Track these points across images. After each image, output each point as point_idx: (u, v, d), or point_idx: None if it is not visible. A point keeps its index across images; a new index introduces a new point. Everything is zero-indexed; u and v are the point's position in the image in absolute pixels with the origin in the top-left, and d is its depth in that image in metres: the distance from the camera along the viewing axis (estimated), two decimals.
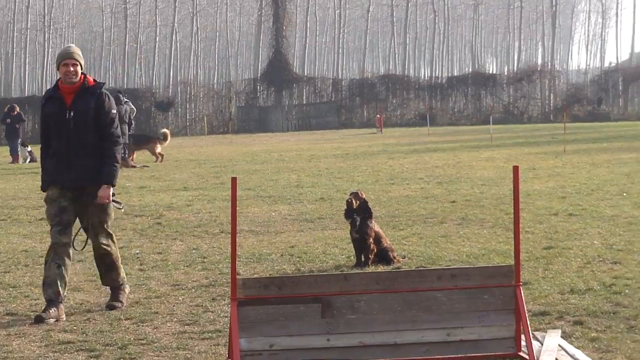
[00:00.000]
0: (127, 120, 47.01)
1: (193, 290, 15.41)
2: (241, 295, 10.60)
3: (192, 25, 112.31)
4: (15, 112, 58.45)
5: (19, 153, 55.97)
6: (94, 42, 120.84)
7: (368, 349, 10.59)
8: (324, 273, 15.52)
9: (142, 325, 12.61)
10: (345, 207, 17.59)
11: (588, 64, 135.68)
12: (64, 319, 11.93)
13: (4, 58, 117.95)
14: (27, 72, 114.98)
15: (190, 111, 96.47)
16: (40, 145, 12.85)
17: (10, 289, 15.99)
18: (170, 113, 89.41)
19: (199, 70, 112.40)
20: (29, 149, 57.66)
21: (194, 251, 19.61)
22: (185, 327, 12.48)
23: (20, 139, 57.80)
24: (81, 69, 12.21)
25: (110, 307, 12.53)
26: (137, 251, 19.79)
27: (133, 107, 51.89)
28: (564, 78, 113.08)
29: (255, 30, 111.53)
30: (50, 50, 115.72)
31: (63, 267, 12.07)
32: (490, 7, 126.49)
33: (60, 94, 12.06)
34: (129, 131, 47.84)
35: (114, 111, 13.00)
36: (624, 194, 27.97)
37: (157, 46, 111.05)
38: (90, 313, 13.77)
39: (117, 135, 12.94)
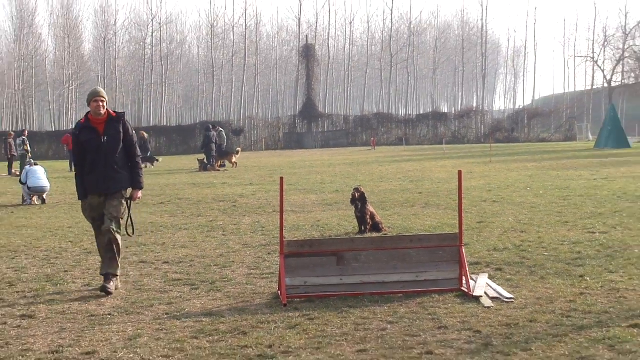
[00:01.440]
0: (214, 141, 54.65)
1: (256, 247, 18.64)
2: (286, 251, 13.30)
3: (255, 81, 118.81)
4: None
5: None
6: (194, 93, 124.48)
7: (366, 285, 13.30)
8: (338, 237, 18.89)
9: (224, 269, 15.76)
10: (351, 196, 21.11)
11: (505, 106, 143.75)
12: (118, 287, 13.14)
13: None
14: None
15: (253, 135, 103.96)
16: (72, 164, 14.18)
17: (142, 246, 19.12)
18: (241, 136, 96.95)
19: (259, 110, 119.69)
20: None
21: (256, 223, 23.34)
22: (251, 270, 15.59)
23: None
24: (106, 104, 13.33)
25: (103, 289, 13.04)
26: (221, 223, 23.56)
27: (223, 133, 62.58)
28: (490, 115, 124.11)
29: (294, 85, 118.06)
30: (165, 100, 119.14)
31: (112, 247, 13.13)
32: (443, 70, 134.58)
33: (92, 124, 12.97)
34: (216, 148, 56.07)
35: (133, 132, 14.09)
36: (528, 188, 32.45)
37: (232, 95, 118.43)
38: (192, 261, 16.75)
39: (139, 152, 14.30)
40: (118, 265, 13.55)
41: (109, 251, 13.09)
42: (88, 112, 13.02)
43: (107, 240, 13.05)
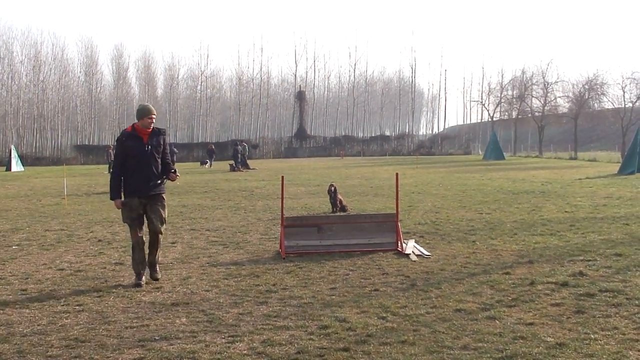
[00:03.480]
0: (240, 152, 54.49)
1: (266, 221, 18.49)
2: (285, 223, 13.28)
3: (266, 114, 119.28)
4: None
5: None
6: (227, 121, 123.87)
7: (336, 246, 13.16)
8: (319, 215, 18.44)
9: (245, 235, 15.71)
10: (327, 189, 21.09)
11: (426, 131, 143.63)
12: (145, 281, 10.43)
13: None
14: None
15: (265, 148, 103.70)
16: (111, 167, 11.84)
17: (192, 219, 18.85)
18: (257, 149, 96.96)
19: (268, 132, 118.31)
20: None
21: (266, 205, 23.11)
22: (262, 236, 15.55)
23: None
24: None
25: (154, 278, 10.76)
26: (243, 205, 23.29)
27: (246, 146, 61.20)
28: (417, 138, 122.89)
29: (291, 117, 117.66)
30: (208, 125, 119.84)
31: (143, 252, 10.60)
32: (387, 108, 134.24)
33: (138, 134, 10.60)
34: (243, 157, 56.19)
35: (170, 145, 12.10)
36: (440, 185, 32.06)
37: (252, 122, 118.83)
38: (224, 229, 16.65)
39: (172, 161, 12.56)
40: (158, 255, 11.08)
41: (154, 245, 10.74)
42: (134, 123, 10.88)
43: (154, 238, 10.71)
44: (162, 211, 10.81)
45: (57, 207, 23.82)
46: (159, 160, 10.81)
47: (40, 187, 35.73)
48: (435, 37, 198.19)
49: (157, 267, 10.93)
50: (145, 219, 10.76)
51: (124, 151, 10.62)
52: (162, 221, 10.80)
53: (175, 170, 11.00)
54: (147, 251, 10.82)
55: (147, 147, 10.62)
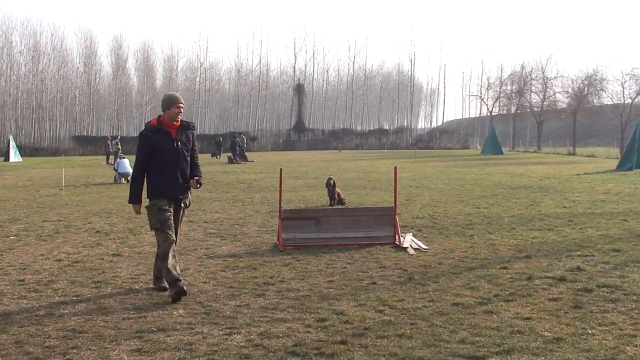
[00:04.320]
0: (238, 144, 54.66)
1: (264, 213, 18.53)
2: (283, 216, 13.27)
3: (265, 107, 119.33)
4: None
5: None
6: (226, 113, 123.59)
7: (334, 239, 13.14)
8: (316, 207, 18.63)
9: (243, 227, 15.74)
10: (326, 182, 21.07)
11: (425, 126, 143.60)
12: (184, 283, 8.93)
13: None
14: None
15: (264, 141, 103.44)
16: (135, 163, 9.54)
17: (190, 211, 19.26)
18: (255, 142, 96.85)
19: (267, 125, 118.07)
20: None
21: (264, 198, 23.20)
22: (260, 228, 15.57)
23: None
24: None
25: (161, 288, 9.45)
26: (241, 197, 23.38)
27: (244, 139, 60.95)
28: (415, 132, 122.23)
29: (290, 109, 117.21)
30: (207, 118, 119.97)
31: (176, 255, 9.25)
32: (386, 102, 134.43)
33: (166, 128, 9.30)
34: (241, 150, 56.14)
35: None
36: (438, 179, 32.11)
37: (250, 115, 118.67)
38: (222, 221, 16.63)
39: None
40: None
41: (175, 254, 9.27)
42: (160, 116, 9.53)
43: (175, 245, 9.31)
44: (180, 222, 9.73)
45: (55, 198, 23.79)
46: (188, 159, 9.57)
47: (38, 178, 35.72)
48: (434, 31, 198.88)
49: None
50: None
51: (149, 148, 9.28)
52: (178, 232, 9.61)
53: (199, 178, 9.64)
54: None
55: (177, 144, 9.36)
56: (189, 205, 9.83)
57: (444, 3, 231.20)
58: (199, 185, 9.61)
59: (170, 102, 9.33)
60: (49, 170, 45.15)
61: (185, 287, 8.95)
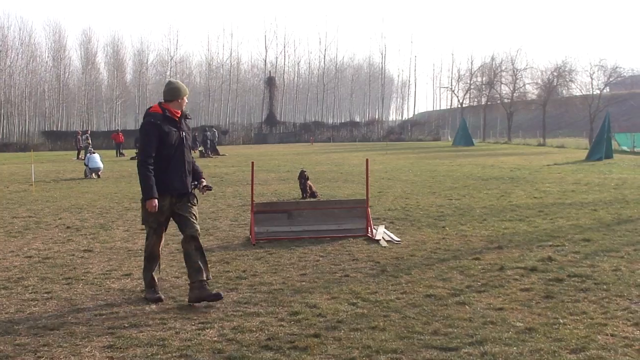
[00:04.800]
0: (209, 138, 54.91)
1: (236, 207, 18.49)
2: (255, 209, 13.24)
3: (236, 100, 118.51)
4: None
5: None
6: (197, 107, 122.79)
7: (306, 232, 13.21)
8: (289, 201, 18.59)
9: (215, 221, 15.71)
10: (299, 174, 20.98)
11: (396, 118, 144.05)
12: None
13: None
14: None
15: (235, 134, 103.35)
16: (141, 155, 8.36)
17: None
18: (226, 135, 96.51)
19: (238, 118, 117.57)
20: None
21: (236, 191, 23.20)
22: (232, 222, 15.56)
23: None
24: None
25: (209, 298, 8.34)
26: (213, 191, 23.27)
27: (215, 132, 60.15)
28: (386, 124, 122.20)
29: (261, 102, 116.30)
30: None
31: (159, 261, 8.83)
32: (357, 94, 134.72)
33: (172, 117, 8.49)
34: (213, 144, 56.08)
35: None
36: (410, 171, 32.26)
37: (221, 108, 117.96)
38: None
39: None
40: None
41: (202, 256, 8.53)
42: (161, 103, 8.69)
43: (196, 245, 8.54)
44: (195, 208, 8.88)
45: (25, 194, 23.59)
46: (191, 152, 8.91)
47: (7, 174, 35.39)
48: (405, 24, 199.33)
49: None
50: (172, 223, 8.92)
51: (158, 137, 8.38)
52: (196, 221, 8.73)
53: (208, 184, 9.02)
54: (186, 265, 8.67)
55: (182, 134, 8.62)
56: (197, 202, 9.02)
57: None
58: (207, 191, 9.01)
59: (181, 93, 8.67)
60: (18, 165, 44.77)
61: (161, 296, 8.58)
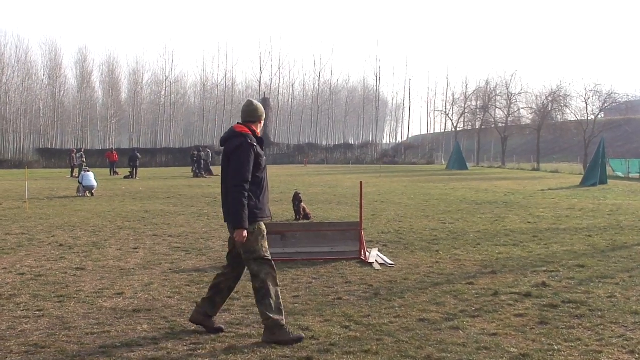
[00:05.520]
0: (204, 159, 54.27)
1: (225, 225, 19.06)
2: None
3: (230, 121, 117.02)
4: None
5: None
6: (191, 127, 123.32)
7: (299, 254, 13.17)
8: (282, 222, 18.23)
9: (208, 241, 15.60)
10: (293, 196, 21.22)
11: (390, 140, 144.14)
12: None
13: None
14: None
15: None
16: (239, 179, 7.51)
17: (155, 225, 18.56)
18: (220, 156, 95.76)
19: None
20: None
21: None
22: (224, 242, 14.52)
23: None
24: None
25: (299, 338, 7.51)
26: (206, 211, 23.31)
27: (209, 153, 59.79)
28: (380, 147, 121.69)
29: None
30: (172, 131, 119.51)
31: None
32: (351, 117, 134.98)
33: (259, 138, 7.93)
34: (207, 164, 55.52)
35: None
36: (403, 194, 32.20)
37: (215, 129, 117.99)
38: (187, 236, 16.49)
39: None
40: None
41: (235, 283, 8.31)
42: (247, 123, 8.04)
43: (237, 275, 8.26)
44: None
45: (19, 211, 23.51)
46: None
47: (1, 190, 35.31)
48: (400, 47, 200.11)
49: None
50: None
51: (254, 160, 7.79)
52: None
53: None
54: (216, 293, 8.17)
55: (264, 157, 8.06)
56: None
57: (409, 19, 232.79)
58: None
59: (263, 114, 8.22)
60: (13, 182, 44.70)
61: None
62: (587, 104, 77.87)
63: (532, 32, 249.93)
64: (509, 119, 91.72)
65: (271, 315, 7.55)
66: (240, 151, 7.72)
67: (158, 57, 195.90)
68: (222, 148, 8.05)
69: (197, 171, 53.16)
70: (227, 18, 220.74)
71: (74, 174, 53.16)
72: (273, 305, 7.64)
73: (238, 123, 8.14)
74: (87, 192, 31.13)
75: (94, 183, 31.44)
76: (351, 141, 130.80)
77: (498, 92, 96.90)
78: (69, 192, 33.96)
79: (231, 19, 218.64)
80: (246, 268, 8.03)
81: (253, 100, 8.31)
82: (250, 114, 8.11)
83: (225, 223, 8.03)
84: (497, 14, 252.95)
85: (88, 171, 32.52)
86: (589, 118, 76.59)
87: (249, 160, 7.71)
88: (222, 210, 8.13)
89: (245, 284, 10.64)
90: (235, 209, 7.66)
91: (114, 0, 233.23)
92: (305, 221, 19.70)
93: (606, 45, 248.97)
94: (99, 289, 10.35)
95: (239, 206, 7.63)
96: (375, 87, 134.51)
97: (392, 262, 12.83)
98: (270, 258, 7.83)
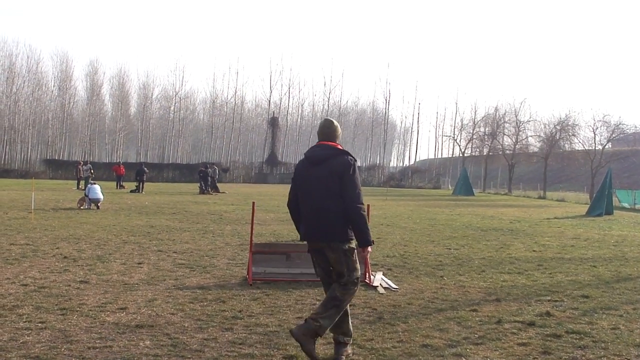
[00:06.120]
0: (210, 175, 54.27)
1: (234, 246, 18.40)
2: (254, 250, 13.23)
3: (238, 139, 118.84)
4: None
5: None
6: (199, 143, 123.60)
7: (304, 275, 13.05)
8: (287, 242, 18.52)
9: (212, 259, 15.59)
10: None
11: (397, 164, 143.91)
12: None
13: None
14: None
15: (236, 172, 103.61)
16: (361, 201, 7.79)
17: (160, 241, 18.59)
18: (227, 173, 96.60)
19: (240, 157, 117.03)
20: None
21: (235, 230, 22.99)
22: (230, 260, 15.45)
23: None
24: None
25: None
26: (211, 228, 23.16)
27: (216, 170, 59.81)
28: (387, 170, 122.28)
29: (263, 142, 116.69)
30: (180, 147, 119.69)
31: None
32: (359, 139, 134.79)
33: None
34: (213, 180, 55.72)
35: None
36: (409, 218, 32.10)
37: (224, 146, 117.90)
38: (191, 252, 16.55)
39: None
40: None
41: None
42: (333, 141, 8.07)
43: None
44: None
45: (24, 221, 23.56)
46: None
47: (7, 200, 35.41)
48: (410, 71, 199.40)
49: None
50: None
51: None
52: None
53: None
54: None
55: None
56: None
57: (420, 43, 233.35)
58: None
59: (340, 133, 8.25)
60: (19, 192, 44.79)
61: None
62: (595, 134, 77.89)
63: (543, 61, 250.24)
64: (516, 146, 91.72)
65: (322, 323, 7.61)
66: (356, 173, 7.92)
67: (169, 72, 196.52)
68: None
69: (203, 187, 53.23)
70: (239, 36, 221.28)
71: (80, 186, 53.31)
72: (335, 319, 7.77)
73: (323, 141, 8.13)
74: (93, 204, 31.19)
75: (100, 196, 31.52)
76: (359, 163, 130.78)
77: (507, 119, 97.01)
78: (74, 204, 33.98)
79: (243, 37, 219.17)
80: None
81: (334, 120, 8.29)
82: (335, 133, 8.16)
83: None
84: (509, 41, 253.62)
85: (95, 184, 32.64)
86: (597, 148, 76.59)
87: (359, 180, 7.96)
88: (308, 231, 8.15)
89: (249, 304, 10.68)
90: (364, 228, 7.90)
91: (126, 14, 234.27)
92: None
93: (615, 76, 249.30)
94: (102, 303, 10.33)
95: (365, 225, 7.92)
96: (384, 110, 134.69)
97: (397, 287, 12.79)
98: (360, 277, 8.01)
